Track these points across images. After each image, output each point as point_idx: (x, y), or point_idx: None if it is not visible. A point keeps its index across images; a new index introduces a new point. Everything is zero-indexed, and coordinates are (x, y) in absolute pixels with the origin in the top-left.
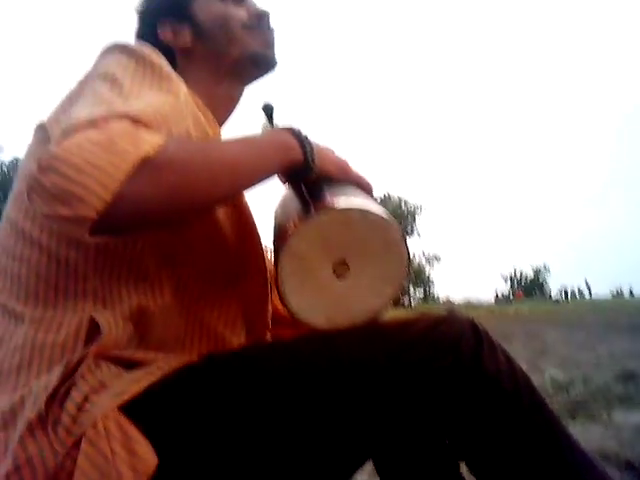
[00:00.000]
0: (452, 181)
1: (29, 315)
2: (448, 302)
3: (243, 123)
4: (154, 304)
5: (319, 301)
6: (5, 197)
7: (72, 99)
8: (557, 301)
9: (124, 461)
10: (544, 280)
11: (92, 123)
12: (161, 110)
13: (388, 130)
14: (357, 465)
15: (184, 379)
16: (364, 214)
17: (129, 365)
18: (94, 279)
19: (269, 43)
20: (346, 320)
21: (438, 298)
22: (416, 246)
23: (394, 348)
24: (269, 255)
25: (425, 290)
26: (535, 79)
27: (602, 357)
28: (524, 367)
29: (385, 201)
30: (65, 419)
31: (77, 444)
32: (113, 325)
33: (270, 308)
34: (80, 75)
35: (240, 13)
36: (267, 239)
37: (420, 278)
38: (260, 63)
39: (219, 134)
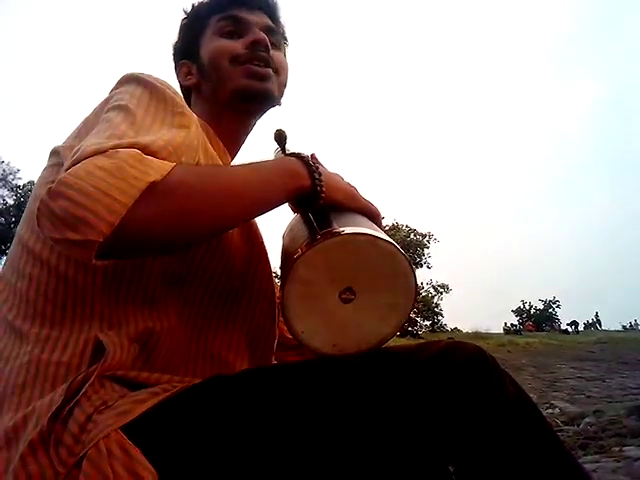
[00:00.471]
0: (462, 211)
1: (35, 334)
2: (457, 332)
3: (257, 150)
4: (160, 326)
5: (325, 327)
6: (19, 220)
7: (86, 126)
8: (567, 333)
9: None
10: (554, 313)
11: (102, 151)
12: (171, 141)
13: (399, 158)
14: None
15: (187, 401)
16: (371, 240)
17: (134, 386)
18: (101, 300)
19: (254, 74)
20: (352, 347)
21: (447, 328)
22: (425, 275)
23: (401, 374)
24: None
25: (433, 320)
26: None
27: (613, 390)
28: (534, 399)
29: (393, 229)
30: (67, 439)
31: (79, 464)
32: (118, 346)
33: (276, 333)
34: (96, 103)
35: (233, 47)
36: (275, 265)
37: (429, 308)
38: (246, 96)
39: (229, 164)
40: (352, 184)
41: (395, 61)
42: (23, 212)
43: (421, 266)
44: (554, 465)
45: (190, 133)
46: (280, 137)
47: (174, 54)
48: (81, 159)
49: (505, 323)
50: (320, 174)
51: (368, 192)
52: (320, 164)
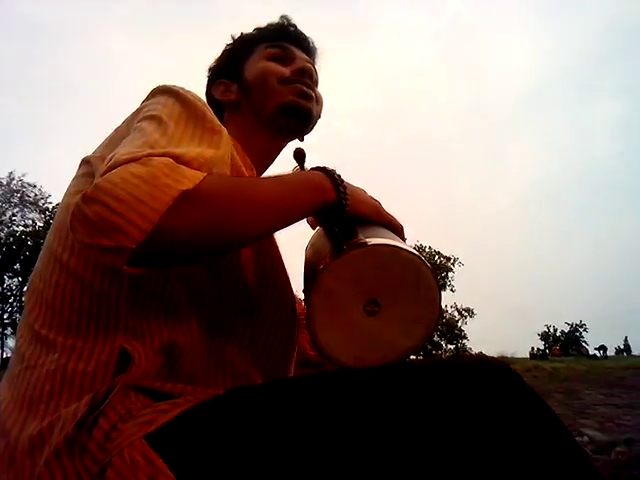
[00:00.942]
0: (486, 233)
1: (61, 343)
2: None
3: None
4: (182, 338)
5: (348, 339)
6: None
7: (117, 136)
8: (595, 358)
9: None
10: (581, 336)
11: (136, 158)
12: (203, 154)
13: (424, 180)
14: None
15: (209, 412)
16: (396, 251)
17: (157, 396)
18: (126, 311)
19: (301, 93)
20: (376, 359)
21: (471, 352)
22: (449, 299)
23: (425, 387)
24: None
25: (458, 344)
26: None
27: None
28: None
29: (417, 251)
30: (92, 447)
31: (103, 472)
32: (143, 356)
33: (295, 345)
34: (127, 114)
35: (281, 70)
36: (298, 278)
37: (453, 331)
38: (292, 112)
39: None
40: (375, 199)
41: (418, 86)
42: None
43: (445, 289)
44: None
45: (220, 147)
46: (299, 155)
47: (210, 75)
48: (116, 166)
49: (532, 348)
50: (345, 187)
51: (391, 209)
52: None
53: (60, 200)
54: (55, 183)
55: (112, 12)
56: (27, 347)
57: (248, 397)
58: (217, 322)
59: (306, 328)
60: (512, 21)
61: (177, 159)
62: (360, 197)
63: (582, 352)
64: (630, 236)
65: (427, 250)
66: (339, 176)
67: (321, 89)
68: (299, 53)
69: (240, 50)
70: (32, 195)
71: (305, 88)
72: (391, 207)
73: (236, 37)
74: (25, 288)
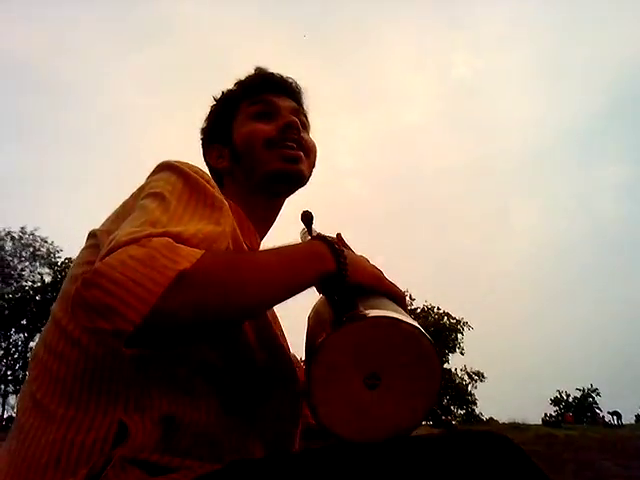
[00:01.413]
0: (494, 297)
1: (61, 415)
2: (492, 423)
3: (284, 231)
4: (183, 411)
5: (349, 412)
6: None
7: (124, 210)
8: (610, 425)
9: None
10: (594, 402)
11: (135, 239)
12: (202, 230)
13: (432, 239)
14: None
15: None
16: (395, 323)
17: (154, 470)
18: (128, 383)
19: (289, 157)
20: (377, 433)
21: (482, 418)
22: (459, 362)
23: (426, 464)
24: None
25: (468, 409)
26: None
27: None
28: None
29: (425, 312)
30: None
31: None
32: (141, 429)
33: (299, 419)
34: (134, 188)
35: (266, 130)
36: (300, 348)
37: (463, 396)
38: (281, 179)
39: (258, 245)
40: (377, 267)
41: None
42: (59, 290)
43: (454, 351)
44: None
45: (220, 223)
46: (307, 218)
47: (203, 138)
48: (116, 248)
49: (545, 414)
50: (345, 257)
51: (396, 275)
52: (346, 246)
53: (69, 255)
54: (65, 236)
55: (124, 65)
56: (27, 418)
57: (247, 471)
58: (220, 397)
59: (305, 401)
60: (517, 84)
61: (176, 237)
62: (360, 266)
63: (597, 419)
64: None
65: (436, 311)
66: (340, 245)
67: (326, 147)
68: (283, 102)
69: (225, 111)
70: (44, 250)
71: (291, 151)
72: (398, 266)
73: (218, 97)
74: (30, 344)
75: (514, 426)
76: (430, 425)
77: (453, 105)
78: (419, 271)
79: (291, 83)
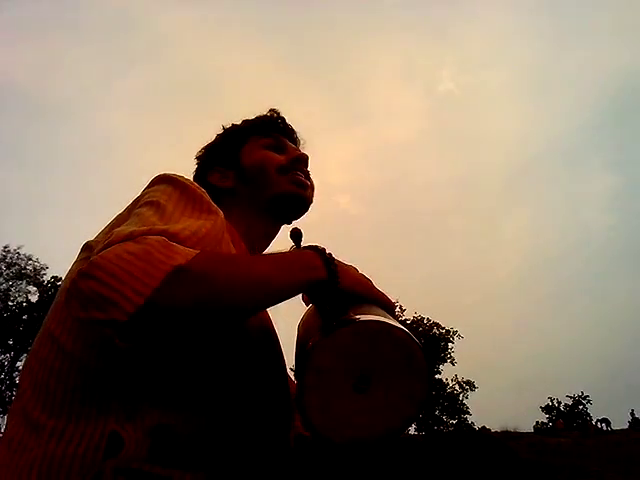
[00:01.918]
0: (485, 305)
1: (51, 427)
2: (484, 431)
3: (274, 248)
4: (175, 421)
5: (340, 417)
6: (43, 317)
7: (118, 223)
8: (603, 432)
9: None
10: (585, 409)
11: (132, 237)
12: (197, 233)
13: (422, 251)
14: None
15: None
16: (385, 328)
17: (147, 479)
18: (119, 394)
19: (299, 183)
20: (367, 437)
21: (474, 427)
22: (450, 372)
23: (418, 466)
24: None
25: (460, 418)
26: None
27: None
28: None
29: (415, 323)
30: None
31: None
32: (134, 439)
33: (291, 428)
34: (125, 206)
35: (278, 158)
36: (290, 355)
37: (455, 406)
38: (289, 201)
39: None
40: (367, 276)
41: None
42: (46, 309)
43: (445, 361)
44: None
45: (215, 227)
46: (296, 235)
47: (204, 161)
48: (112, 244)
49: (537, 422)
50: (335, 265)
51: (386, 287)
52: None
53: (55, 273)
54: (49, 254)
55: (114, 88)
56: (17, 430)
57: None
58: (213, 406)
59: (296, 407)
60: (503, 99)
61: (172, 237)
62: (351, 275)
63: (588, 426)
64: (629, 306)
65: (425, 321)
66: (330, 254)
67: (314, 163)
68: (289, 144)
69: (235, 139)
70: (30, 268)
71: (303, 178)
72: (389, 278)
73: (228, 127)
74: (17, 364)
75: (507, 434)
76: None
77: (440, 120)
78: (409, 283)
79: (296, 132)
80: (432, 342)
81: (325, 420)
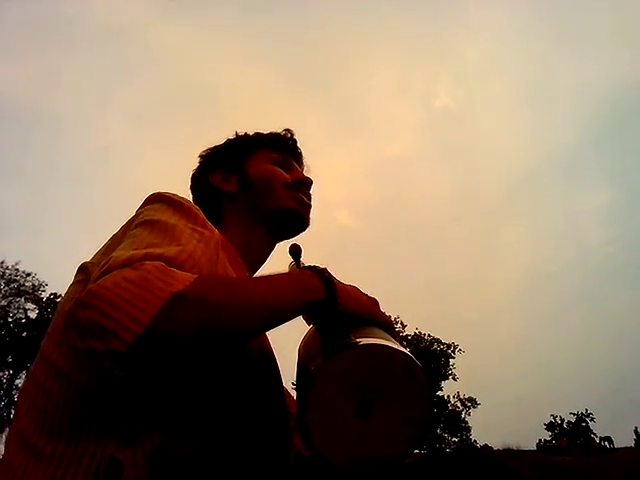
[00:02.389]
0: (485, 320)
1: (50, 452)
2: (487, 450)
3: (273, 265)
4: (175, 445)
5: (341, 441)
6: (41, 334)
7: (113, 244)
8: (606, 451)
9: None
10: (588, 427)
11: (129, 263)
12: (193, 255)
13: (421, 266)
14: None
15: None
16: (387, 351)
17: None
18: (118, 418)
19: (302, 203)
20: (368, 462)
21: (476, 444)
22: (452, 388)
23: None
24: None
25: (462, 436)
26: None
27: None
28: None
29: (416, 339)
30: None
31: None
32: (133, 464)
33: (291, 447)
34: (123, 220)
35: (285, 175)
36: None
37: (456, 423)
38: (290, 217)
39: None
40: (369, 296)
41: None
42: (45, 326)
43: (447, 378)
44: None
45: (209, 247)
46: (295, 251)
47: (208, 161)
48: (109, 271)
49: (540, 440)
50: (335, 286)
51: (387, 302)
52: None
53: (54, 290)
54: (48, 270)
55: (112, 101)
56: (15, 455)
57: None
58: (213, 429)
59: (297, 430)
60: (499, 113)
61: (169, 262)
62: (350, 295)
63: (591, 444)
64: (630, 319)
65: (426, 338)
66: (329, 275)
67: (314, 180)
68: (296, 166)
69: (243, 147)
70: (28, 285)
71: (305, 198)
72: (389, 293)
73: (240, 134)
74: (16, 382)
75: (509, 453)
76: (424, 453)
77: (437, 134)
78: (410, 298)
79: (303, 155)
80: (433, 358)
81: (326, 443)
